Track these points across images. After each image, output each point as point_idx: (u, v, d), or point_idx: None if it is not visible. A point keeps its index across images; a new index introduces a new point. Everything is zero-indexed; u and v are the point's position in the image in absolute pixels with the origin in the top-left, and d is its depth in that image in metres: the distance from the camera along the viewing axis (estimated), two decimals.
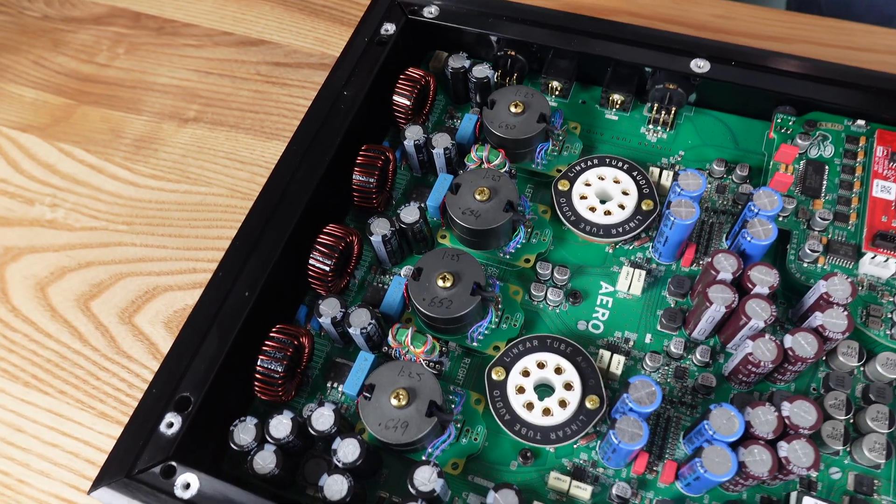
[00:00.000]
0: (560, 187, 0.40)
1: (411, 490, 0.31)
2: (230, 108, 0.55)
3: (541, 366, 0.35)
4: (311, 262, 0.37)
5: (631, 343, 0.37)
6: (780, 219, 0.38)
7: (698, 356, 0.36)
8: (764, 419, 0.31)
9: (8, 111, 0.57)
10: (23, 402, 0.43)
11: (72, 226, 0.50)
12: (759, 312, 0.33)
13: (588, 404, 0.34)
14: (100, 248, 0.49)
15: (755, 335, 0.33)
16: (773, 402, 0.33)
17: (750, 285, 0.34)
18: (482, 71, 0.43)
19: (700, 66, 0.40)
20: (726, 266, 0.34)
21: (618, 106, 0.44)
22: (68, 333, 0.46)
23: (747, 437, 0.31)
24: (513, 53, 0.44)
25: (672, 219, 0.35)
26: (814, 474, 0.33)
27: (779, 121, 0.41)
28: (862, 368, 0.35)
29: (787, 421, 0.31)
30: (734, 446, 0.30)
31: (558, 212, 0.40)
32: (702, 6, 0.60)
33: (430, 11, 0.44)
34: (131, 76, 0.58)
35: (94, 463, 0.41)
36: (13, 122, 0.56)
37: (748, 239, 0.35)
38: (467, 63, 0.43)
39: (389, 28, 0.44)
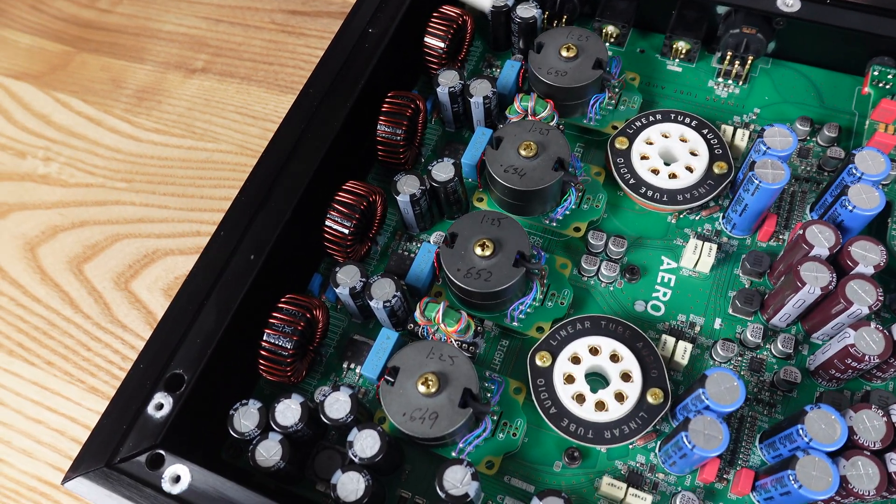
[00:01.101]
0: (618, 145, 0.35)
1: (440, 493, 0.26)
2: (241, 59, 0.50)
3: (594, 352, 0.30)
4: (328, 223, 0.32)
5: (697, 328, 0.32)
6: (882, 185, 0.33)
7: (779, 346, 0.31)
8: (870, 425, 0.25)
9: (2, 58, 0.52)
10: (6, 373, 0.39)
11: (66, 181, 0.46)
12: (862, 296, 0.28)
13: (650, 399, 0.29)
14: (95, 207, 0.45)
15: (857, 323, 0.27)
16: (876, 404, 0.28)
17: (850, 263, 0.28)
18: (528, 10, 0.37)
19: (789, 4, 0.34)
20: (822, 240, 0.29)
21: (682, 55, 0.38)
22: (59, 298, 0.41)
23: (848, 447, 0.25)
24: None
25: (756, 182, 0.30)
26: None
27: (875, 73, 0.35)
28: None
29: None
30: (833, 457, 0.25)
31: (615, 173, 0.34)
32: None
33: None
34: (135, 23, 0.53)
35: (80, 442, 0.37)
36: (7, 69, 0.52)
37: (849, 208, 0.29)
38: (511, 1, 0.38)
39: None
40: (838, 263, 0.29)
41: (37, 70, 0.51)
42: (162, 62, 0.51)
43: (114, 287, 0.41)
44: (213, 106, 0.48)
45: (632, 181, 0.34)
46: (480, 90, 0.35)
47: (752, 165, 0.30)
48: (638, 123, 0.35)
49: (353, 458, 0.27)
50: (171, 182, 0.45)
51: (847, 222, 0.30)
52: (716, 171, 0.34)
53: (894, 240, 0.32)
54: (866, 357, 0.27)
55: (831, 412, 0.25)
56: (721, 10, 0.36)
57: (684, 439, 0.26)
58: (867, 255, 0.28)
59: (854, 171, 0.30)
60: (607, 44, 0.39)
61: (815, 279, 0.28)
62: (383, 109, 0.34)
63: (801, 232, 0.29)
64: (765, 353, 0.31)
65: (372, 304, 0.30)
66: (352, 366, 0.32)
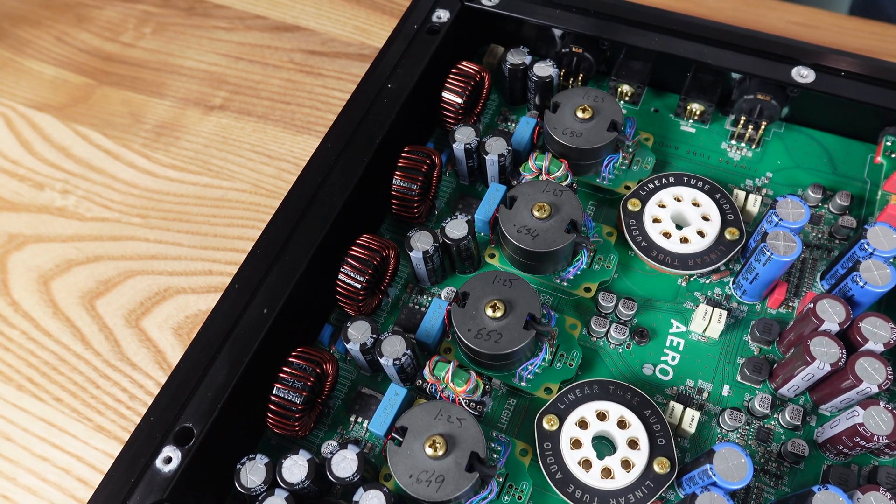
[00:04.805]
0: (630, 207, 0.35)
1: None
2: (259, 98, 0.51)
3: (602, 417, 0.30)
4: (341, 277, 0.32)
5: (705, 395, 0.32)
6: (893, 261, 0.33)
7: (787, 417, 0.31)
8: None
9: (25, 88, 0.53)
10: (14, 408, 0.39)
11: (82, 215, 0.46)
12: (871, 374, 0.28)
13: (657, 468, 0.29)
14: (110, 242, 0.45)
15: (866, 402, 0.27)
16: (882, 485, 0.28)
17: (860, 340, 0.28)
18: (545, 69, 0.38)
19: (804, 75, 0.35)
20: (832, 315, 0.29)
21: (696, 117, 0.39)
22: (70, 334, 0.42)
23: None
24: (579, 51, 0.39)
25: (768, 253, 0.30)
26: None
27: (888, 143, 0.36)
28: None
29: None
30: None
31: (626, 235, 0.34)
32: (779, 12, 0.54)
33: None
34: (157, 58, 0.54)
35: (85, 482, 0.37)
36: (30, 99, 0.52)
37: (860, 284, 0.29)
38: (528, 59, 0.38)
39: (442, 15, 0.39)
40: (848, 339, 0.29)
41: (59, 102, 0.52)
42: (181, 98, 0.52)
43: (125, 324, 0.42)
44: (230, 144, 0.49)
45: (643, 244, 0.34)
46: (496, 148, 0.35)
47: (764, 236, 0.30)
48: (651, 185, 0.36)
49: None
50: (185, 219, 0.46)
51: (858, 297, 0.30)
52: (727, 236, 0.34)
53: None
54: (875, 437, 0.27)
55: (839, 494, 0.25)
56: (735, 75, 0.37)
57: None
58: (877, 333, 0.29)
59: (866, 246, 0.30)
60: (622, 102, 0.40)
61: (825, 354, 0.28)
62: (399, 164, 0.35)
63: (811, 305, 0.29)
64: (772, 422, 0.31)
65: (382, 360, 0.31)
66: (359, 419, 0.33)
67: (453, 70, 0.38)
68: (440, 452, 0.28)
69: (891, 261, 0.30)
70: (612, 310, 0.34)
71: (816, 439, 0.30)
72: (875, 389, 0.28)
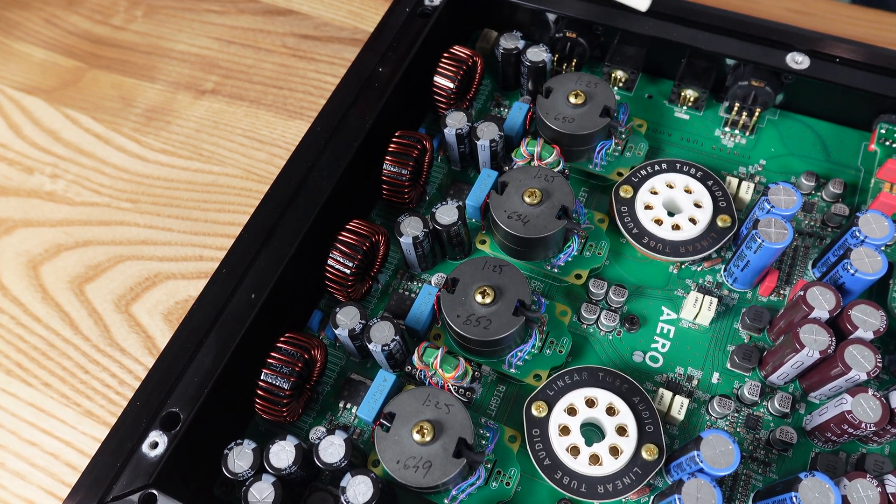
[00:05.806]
0: (622, 194, 0.35)
1: None
2: (251, 82, 0.50)
3: (590, 404, 0.30)
4: (330, 262, 0.32)
5: (695, 382, 0.32)
6: (884, 248, 0.33)
7: (776, 404, 0.30)
8: (864, 495, 0.25)
9: (14, 71, 0.53)
10: (3, 393, 0.39)
11: (72, 199, 0.46)
12: (860, 362, 0.27)
13: (645, 454, 0.29)
14: (100, 227, 0.45)
15: (855, 390, 0.27)
16: (870, 472, 0.28)
17: (850, 327, 0.28)
18: (538, 54, 0.37)
19: (798, 61, 0.34)
20: (822, 302, 0.29)
21: (690, 103, 0.38)
22: (59, 319, 0.41)
23: None
24: (573, 36, 0.38)
25: (759, 240, 0.30)
26: None
27: (882, 131, 0.35)
28: None
29: (892, 499, 0.25)
30: None
31: (618, 222, 0.34)
32: None
33: None
34: (147, 41, 0.53)
35: (74, 467, 0.37)
36: (19, 82, 0.52)
37: (851, 272, 0.29)
38: (521, 44, 0.38)
39: None
40: (838, 326, 0.29)
41: (48, 85, 0.52)
42: (172, 82, 0.51)
43: (114, 309, 0.41)
44: (221, 128, 0.48)
45: (635, 230, 0.34)
46: (487, 133, 0.35)
47: (755, 223, 0.30)
48: (643, 172, 0.35)
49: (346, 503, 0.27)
50: (176, 204, 0.45)
51: (848, 285, 0.30)
52: (719, 223, 0.34)
53: (895, 302, 0.32)
54: (863, 424, 0.27)
55: (825, 481, 0.25)
56: (730, 61, 0.36)
57: (677, 502, 0.25)
58: (867, 320, 0.28)
59: (857, 233, 0.30)
60: (615, 88, 0.40)
61: (815, 342, 0.28)
62: (390, 150, 0.34)
63: (801, 293, 0.29)
64: (761, 410, 0.31)
65: (370, 346, 0.30)
66: (348, 405, 0.32)
67: (445, 54, 0.37)
68: (428, 438, 0.28)
69: (882, 248, 0.30)
70: (603, 297, 0.33)
71: (805, 427, 0.30)
72: (864, 377, 0.28)
